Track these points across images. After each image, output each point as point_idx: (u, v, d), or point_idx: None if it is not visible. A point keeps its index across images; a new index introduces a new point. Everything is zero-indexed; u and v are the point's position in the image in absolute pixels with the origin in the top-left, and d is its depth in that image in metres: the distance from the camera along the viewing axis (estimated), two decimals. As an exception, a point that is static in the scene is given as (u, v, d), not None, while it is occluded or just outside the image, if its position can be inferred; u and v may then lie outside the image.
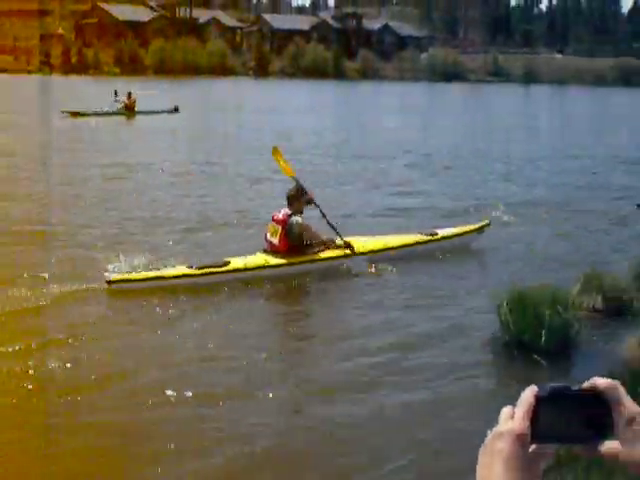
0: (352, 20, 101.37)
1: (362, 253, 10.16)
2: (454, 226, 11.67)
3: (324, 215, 10.16)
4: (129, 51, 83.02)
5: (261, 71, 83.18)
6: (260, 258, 9.67)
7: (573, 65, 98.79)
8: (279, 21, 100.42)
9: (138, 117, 32.92)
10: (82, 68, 78.31)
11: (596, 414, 0.98)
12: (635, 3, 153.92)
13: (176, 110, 34.40)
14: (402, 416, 6.28)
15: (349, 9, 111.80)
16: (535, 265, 10.90)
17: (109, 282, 8.69)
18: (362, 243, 10.32)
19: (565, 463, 4.25)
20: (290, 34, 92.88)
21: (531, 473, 0.96)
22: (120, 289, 8.78)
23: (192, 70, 76.39)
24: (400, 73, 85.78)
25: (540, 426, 0.98)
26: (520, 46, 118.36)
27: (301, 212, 9.90)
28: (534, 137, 30.93)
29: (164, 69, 76.96)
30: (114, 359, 7.14)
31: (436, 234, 11.15)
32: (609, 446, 0.95)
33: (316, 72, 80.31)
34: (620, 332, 8.00)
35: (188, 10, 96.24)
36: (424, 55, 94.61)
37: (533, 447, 0.98)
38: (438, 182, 18.33)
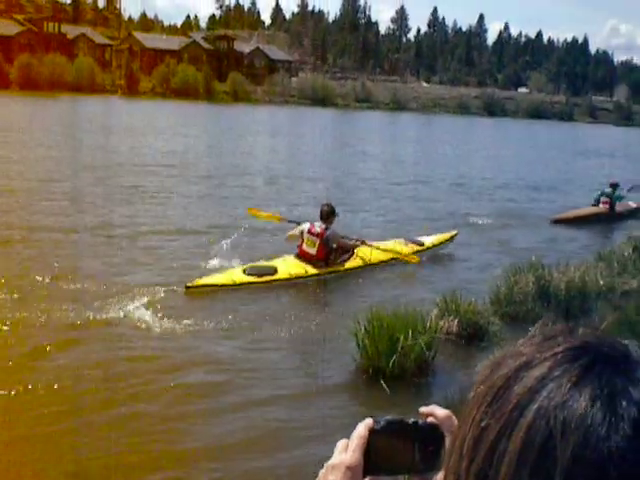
0: (224, 42, 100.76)
1: (380, 261, 11.91)
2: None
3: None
4: (-6, 65, 79.12)
5: (130, 90, 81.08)
6: (300, 267, 11.12)
7: (439, 93, 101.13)
8: (150, 40, 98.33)
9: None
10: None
11: (431, 445, 1.02)
12: (499, 36, 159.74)
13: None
14: (243, 443, 6.13)
15: (221, 31, 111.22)
16: (400, 288, 11.10)
17: (187, 287, 9.96)
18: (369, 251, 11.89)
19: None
20: (161, 53, 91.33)
21: None
22: (196, 291, 10.02)
23: (59, 86, 73.72)
24: (270, 96, 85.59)
25: (373, 458, 1.01)
26: (388, 74, 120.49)
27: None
28: (389, 162, 31.41)
29: (30, 84, 73.76)
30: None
31: (422, 243, 13.06)
32: (439, 478, 0.99)
33: (186, 93, 79.28)
34: (475, 355, 8.24)
35: (56, 25, 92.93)
36: (294, 79, 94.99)
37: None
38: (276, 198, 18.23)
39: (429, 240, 13.24)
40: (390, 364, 7.41)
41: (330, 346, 8.42)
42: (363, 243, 11.91)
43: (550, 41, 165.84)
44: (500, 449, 0.67)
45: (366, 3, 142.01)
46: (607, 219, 18.86)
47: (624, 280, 11.18)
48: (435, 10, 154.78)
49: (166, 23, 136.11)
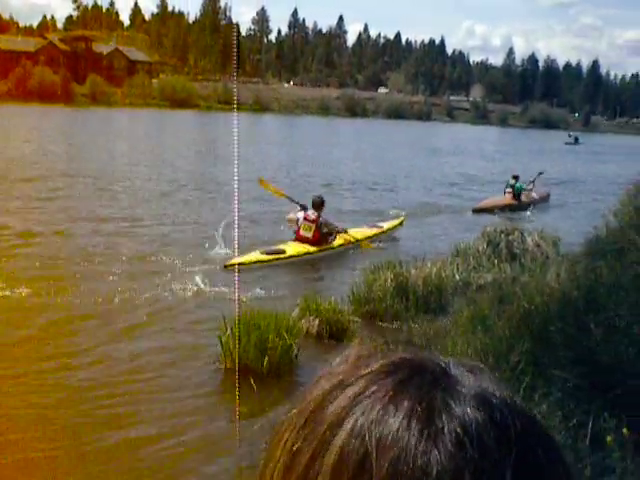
0: (81, 43, 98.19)
1: (358, 240, 14.48)
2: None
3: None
4: None
5: (-17, 93, 77.62)
6: (301, 247, 13.44)
7: (300, 95, 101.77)
8: (4, 41, 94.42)
9: None
10: None
11: None
12: (359, 37, 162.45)
13: None
14: (105, 454, 5.96)
15: (78, 32, 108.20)
16: (267, 289, 11.16)
17: (225, 266, 11.84)
18: (353, 233, 14.54)
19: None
20: (16, 55, 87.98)
21: None
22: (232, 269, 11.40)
23: None
24: (130, 99, 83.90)
25: None
26: (250, 75, 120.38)
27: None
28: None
29: None
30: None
31: (382, 227, 15.77)
32: None
33: (44, 95, 76.55)
34: (338, 353, 7.49)
35: None
36: (155, 81, 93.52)
37: None
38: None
39: (385, 225, 15.95)
40: (258, 364, 7.52)
41: (196, 350, 8.46)
42: (345, 232, 14.32)
43: (408, 42, 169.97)
44: (313, 473, 0.62)
45: (227, 4, 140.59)
46: (514, 208, 21.33)
47: (479, 274, 11.49)
48: (295, 11, 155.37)
49: (22, 24, 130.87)
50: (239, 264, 11.65)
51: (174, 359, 8.24)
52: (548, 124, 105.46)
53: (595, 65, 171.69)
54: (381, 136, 62.33)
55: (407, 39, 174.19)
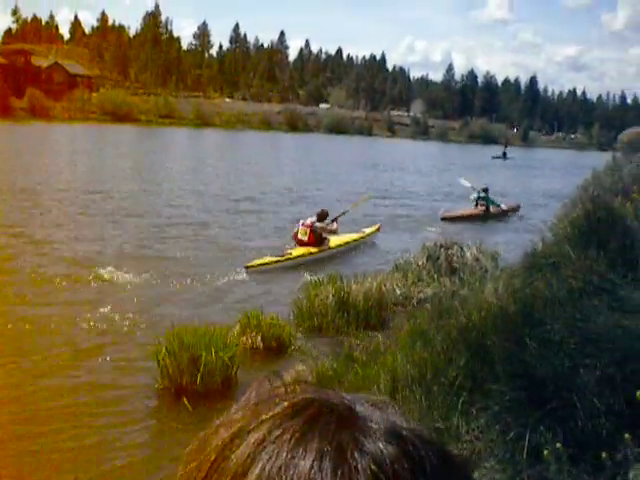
0: (20, 56, 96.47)
1: (348, 243, 17.13)
2: None
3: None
4: None
5: None
6: (303, 250, 15.67)
7: (242, 109, 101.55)
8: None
9: None
10: None
11: None
12: (300, 52, 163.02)
13: None
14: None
15: (17, 45, 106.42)
16: (205, 305, 11.20)
17: (246, 267, 13.95)
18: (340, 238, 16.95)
19: None
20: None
21: None
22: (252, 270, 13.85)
23: None
24: (70, 113, 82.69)
25: None
26: (192, 89, 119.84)
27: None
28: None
29: None
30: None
31: (364, 232, 18.23)
32: None
33: (-19, 110, 74.62)
34: (279, 368, 7.99)
35: None
36: (95, 95, 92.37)
37: None
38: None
39: (367, 230, 18.35)
40: (194, 382, 7.44)
41: (133, 370, 8.34)
42: (333, 232, 16.54)
43: (350, 58, 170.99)
44: None
45: (168, 18, 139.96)
46: (483, 218, 23.46)
47: (419, 289, 11.57)
48: (237, 26, 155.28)
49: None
50: (259, 265, 14.16)
51: (110, 381, 8.10)
52: (487, 139, 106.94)
53: (533, 81, 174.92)
54: (323, 151, 62.56)
55: (348, 54, 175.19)
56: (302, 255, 15.47)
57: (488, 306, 5.45)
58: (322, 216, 16.22)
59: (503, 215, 24.65)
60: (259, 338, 9.02)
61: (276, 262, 14.63)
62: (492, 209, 24.05)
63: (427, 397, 5.11)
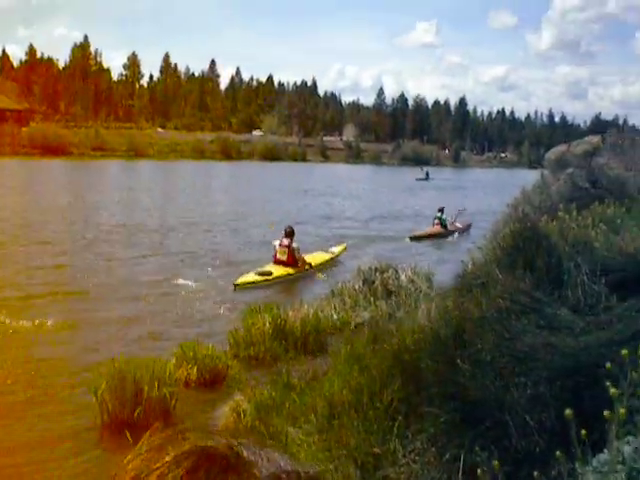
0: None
1: (321, 263, 18.08)
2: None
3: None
4: None
5: None
6: (282, 270, 16.52)
7: (175, 139, 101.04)
8: None
9: None
10: None
11: None
12: (232, 80, 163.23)
13: None
14: None
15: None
16: (143, 338, 11.07)
17: (235, 285, 14.97)
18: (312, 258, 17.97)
19: None
20: None
21: None
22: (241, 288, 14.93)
23: None
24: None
25: None
26: (123, 121, 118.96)
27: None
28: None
29: None
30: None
31: (334, 252, 19.36)
32: None
33: None
34: (216, 400, 8.23)
35: None
36: (25, 129, 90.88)
37: None
38: None
39: (336, 250, 19.45)
40: (134, 416, 7.37)
41: (72, 405, 8.21)
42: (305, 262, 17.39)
43: (281, 84, 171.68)
44: None
45: (97, 50, 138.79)
46: (443, 236, 25.74)
47: (356, 313, 11.62)
48: (167, 55, 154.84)
49: None
50: (247, 283, 15.18)
51: (47, 415, 7.96)
52: (420, 161, 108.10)
53: (462, 102, 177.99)
54: (255, 178, 62.62)
55: (280, 81, 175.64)
56: (282, 276, 16.36)
57: (420, 329, 5.50)
58: (289, 233, 16.96)
59: (460, 233, 26.83)
60: (195, 370, 8.91)
61: (256, 282, 15.45)
62: (450, 227, 26.60)
63: (363, 423, 5.13)
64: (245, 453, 0.60)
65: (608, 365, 3.17)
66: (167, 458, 0.58)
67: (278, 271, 16.37)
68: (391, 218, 32.67)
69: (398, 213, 35.11)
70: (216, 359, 9.19)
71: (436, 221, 26.56)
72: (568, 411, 3.00)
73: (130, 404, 7.45)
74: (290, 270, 16.64)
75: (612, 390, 2.90)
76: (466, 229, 27.81)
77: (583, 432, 3.02)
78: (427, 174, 73.17)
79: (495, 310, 4.84)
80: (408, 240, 24.39)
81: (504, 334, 4.53)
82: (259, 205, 35.60)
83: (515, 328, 4.57)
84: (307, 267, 17.29)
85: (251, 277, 15.54)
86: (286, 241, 16.87)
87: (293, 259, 16.76)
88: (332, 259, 18.86)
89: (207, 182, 54.93)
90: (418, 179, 70.61)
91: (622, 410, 2.88)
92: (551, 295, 4.98)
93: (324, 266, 18.02)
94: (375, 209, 35.79)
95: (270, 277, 15.90)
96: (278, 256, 16.84)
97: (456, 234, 26.47)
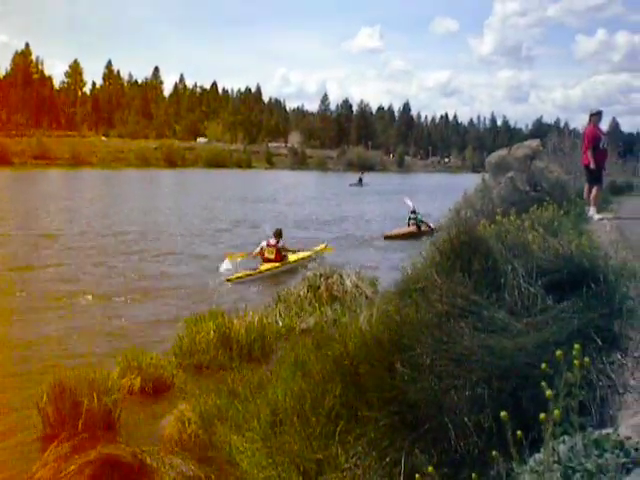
0: None
1: (304, 258, 19.77)
2: None
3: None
4: None
5: None
6: (271, 265, 18.43)
7: (118, 147, 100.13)
8: None
9: None
10: None
11: None
12: (175, 87, 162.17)
13: None
14: None
15: None
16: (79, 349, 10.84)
17: (228, 280, 16.76)
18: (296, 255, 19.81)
19: None
20: None
21: None
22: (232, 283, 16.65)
23: None
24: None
25: None
26: (66, 129, 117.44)
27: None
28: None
29: None
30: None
31: (316, 249, 21.18)
32: None
33: None
34: (161, 408, 8.21)
35: None
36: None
37: None
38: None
39: (318, 248, 21.32)
40: (76, 428, 7.10)
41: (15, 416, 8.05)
42: (294, 252, 19.71)
43: (225, 91, 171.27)
44: None
45: (38, 58, 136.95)
46: (416, 235, 26.47)
47: (302, 319, 11.61)
48: (109, 62, 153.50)
49: None
50: (237, 278, 16.82)
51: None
52: (365, 166, 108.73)
53: (406, 107, 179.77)
54: (200, 185, 62.33)
55: (224, 88, 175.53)
56: (270, 269, 18.26)
57: (362, 334, 5.53)
58: (278, 234, 19.03)
59: (432, 232, 26.78)
60: (139, 380, 8.83)
61: (250, 275, 17.37)
62: (423, 227, 27.76)
63: (306, 428, 5.13)
64: (149, 460, 0.60)
65: (543, 366, 3.21)
66: (72, 467, 0.58)
67: (266, 267, 18.28)
68: (334, 222, 33.04)
69: (339, 218, 35.47)
70: (161, 368, 9.11)
71: (412, 222, 28.27)
72: (503, 413, 3.04)
73: (70, 416, 7.31)
74: (276, 264, 18.53)
75: (548, 392, 2.95)
76: (439, 229, 28.29)
77: (519, 433, 3.06)
78: (360, 180, 73.87)
79: (434, 314, 4.89)
80: (383, 239, 26.53)
81: (442, 337, 4.58)
82: (207, 212, 35.46)
83: (453, 331, 4.63)
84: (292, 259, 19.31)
85: (242, 273, 17.27)
86: (273, 241, 18.88)
87: (280, 257, 18.78)
88: (315, 253, 20.59)
89: (151, 191, 54.47)
90: (351, 185, 71.26)
91: (557, 411, 2.93)
92: (489, 298, 5.05)
93: (306, 261, 19.27)
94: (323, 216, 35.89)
95: (254, 272, 17.65)
96: (266, 255, 18.76)
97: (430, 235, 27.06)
